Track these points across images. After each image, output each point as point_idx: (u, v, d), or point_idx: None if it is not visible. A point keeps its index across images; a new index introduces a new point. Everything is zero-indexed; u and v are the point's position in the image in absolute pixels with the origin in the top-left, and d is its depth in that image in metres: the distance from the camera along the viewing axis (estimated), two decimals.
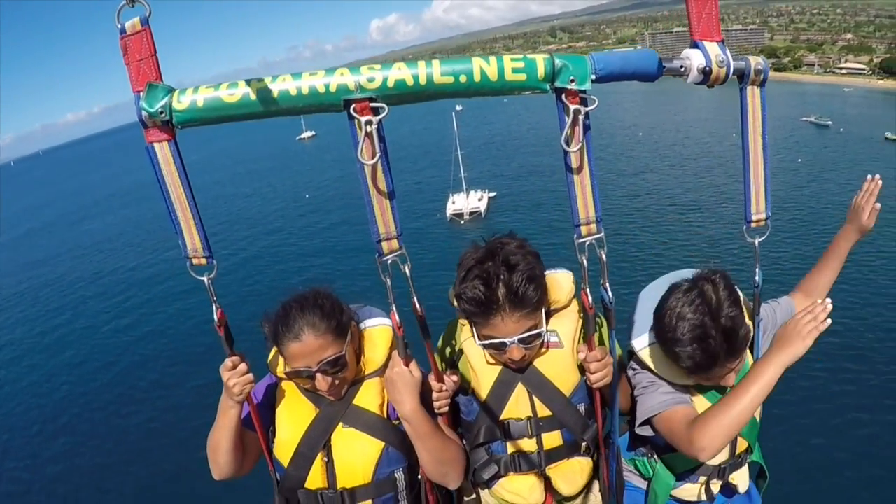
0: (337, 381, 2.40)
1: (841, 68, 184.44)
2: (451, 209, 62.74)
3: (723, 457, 2.68)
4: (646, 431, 2.61)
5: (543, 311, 2.48)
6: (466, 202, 63.96)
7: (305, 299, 2.41)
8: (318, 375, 2.34)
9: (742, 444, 2.70)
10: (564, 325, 2.61)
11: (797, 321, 2.07)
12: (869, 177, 2.64)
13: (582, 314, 2.61)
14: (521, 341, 2.40)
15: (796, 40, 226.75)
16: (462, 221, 60.54)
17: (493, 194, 67.76)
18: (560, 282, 2.58)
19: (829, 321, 2.06)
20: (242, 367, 2.26)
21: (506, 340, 2.39)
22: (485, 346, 2.49)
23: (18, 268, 69.34)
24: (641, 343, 2.59)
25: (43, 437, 30.78)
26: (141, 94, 1.76)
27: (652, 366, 2.55)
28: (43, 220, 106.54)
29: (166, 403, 31.36)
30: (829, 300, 2.11)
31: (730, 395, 2.17)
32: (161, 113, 1.75)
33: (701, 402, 2.53)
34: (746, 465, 2.84)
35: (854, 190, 2.73)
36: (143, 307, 47.18)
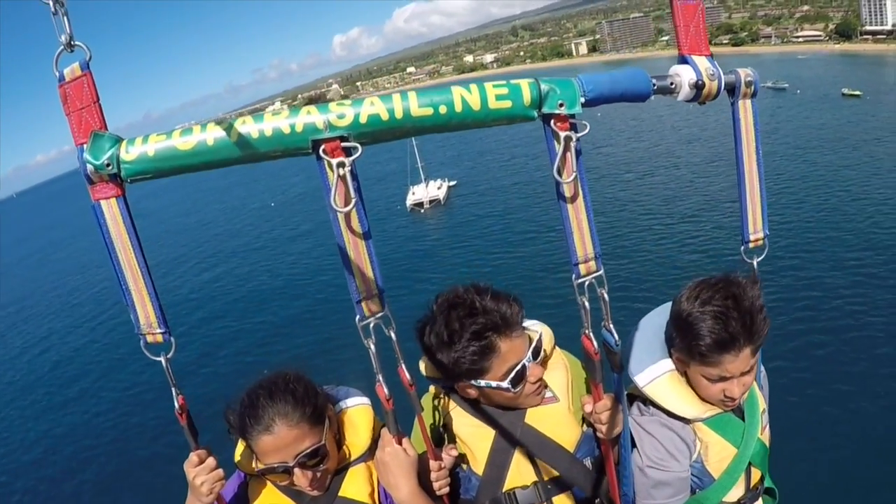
0: (318, 474, 2.18)
1: (798, 37, 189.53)
2: (411, 200, 65.29)
3: (740, 492, 2.56)
4: None
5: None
6: (426, 192, 66.50)
7: (274, 385, 2.18)
8: (297, 470, 2.11)
9: (756, 475, 2.59)
10: (555, 378, 2.49)
11: None
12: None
13: (569, 366, 2.53)
14: (534, 356, 2.35)
15: (754, 17, 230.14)
16: (422, 210, 63.10)
17: (453, 183, 70.63)
18: (542, 333, 2.47)
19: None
20: (210, 461, 2.01)
21: (524, 362, 2.28)
22: (511, 383, 2.30)
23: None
24: (646, 378, 2.43)
25: None
26: (84, 145, 1.57)
27: (660, 399, 2.41)
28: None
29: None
30: None
31: None
32: (108, 165, 1.56)
33: (706, 433, 2.43)
34: (762, 495, 2.74)
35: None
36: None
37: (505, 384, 2.28)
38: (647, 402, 2.47)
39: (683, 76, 1.76)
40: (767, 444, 2.58)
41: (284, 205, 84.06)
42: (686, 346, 2.25)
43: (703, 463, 2.47)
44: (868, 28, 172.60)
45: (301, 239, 63.82)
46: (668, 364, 2.43)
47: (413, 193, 67.30)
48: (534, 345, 2.34)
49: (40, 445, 33.49)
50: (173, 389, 1.85)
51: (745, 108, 1.90)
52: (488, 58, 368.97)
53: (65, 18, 1.49)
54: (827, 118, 74.25)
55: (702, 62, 1.77)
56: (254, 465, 2.22)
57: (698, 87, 1.74)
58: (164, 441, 28.63)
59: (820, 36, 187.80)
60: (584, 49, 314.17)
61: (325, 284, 45.18)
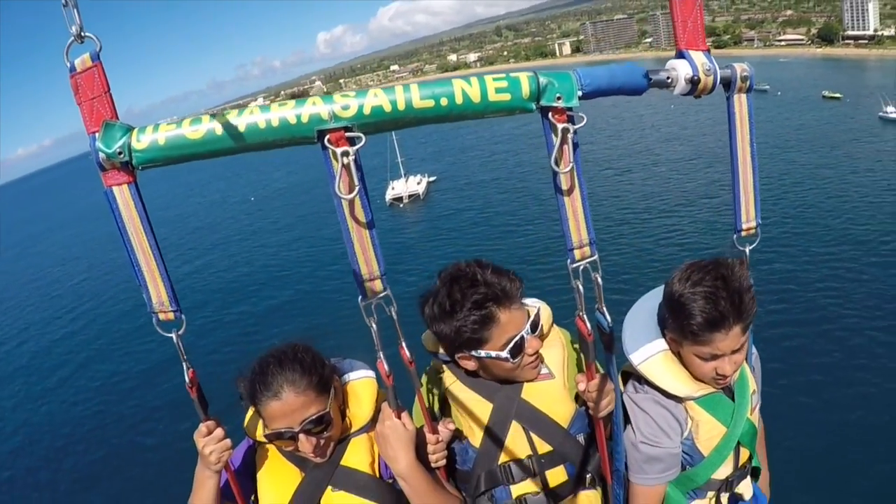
0: (322, 441, 2.25)
1: (780, 40, 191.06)
2: (390, 194, 65.65)
3: (728, 470, 2.64)
4: None
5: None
6: (405, 187, 67.14)
7: (284, 354, 2.26)
8: (302, 436, 2.18)
9: (745, 455, 2.67)
10: (551, 355, 2.54)
11: None
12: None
13: (573, 342, 2.59)
14: (532, 329, 2.41)
15: (737, 20, 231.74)
16: (401, 205, 63.69)
17: (433, 178, 71.08)
18: (540, 311, 2.51)
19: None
20: (219, 432, 2.10)
21: (522, 333, 2.36)
22: (509, 353, 2.36)
23: None
24: (640, 356, 2.51)
25: None
26: (96, 134, 1.61)
27: (654, 378, 2.48)
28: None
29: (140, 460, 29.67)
30: None
31: None
32: (119, 154, 1.60)
33: (697, 412, 2.51)
34: (749, 474, 2.83)
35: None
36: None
37: (504, 354, 2.34)
38: (642, 380, 2.54)
39: (680, 70, 1.79)
40: (757, 424, 2.66)
41: (273, 197, 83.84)
42: (678, 325, 2.32)
43: (693, 440, 2.55)
44: (850, 33, 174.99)
45: (297, 227, 63.99)
46: (661, 344, 2.50)
47: (392, 188, 67.55)
48: (532, 318, 2.40)
49: (19, 435, 33.26)
50: (184, 364, 1.91)
51: (741, 102, 1.93)
52: (472, 57, 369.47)
53: (75, 10, 1.51)
54: (806, 119, 75.66)
55: (698, 57, 1.80)
56: (261, 431, 2.30)
57: (694, 82, 1.79)
58: (144, 429, 28.80)
59: (802, 40, 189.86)
60: (567, 49, 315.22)
61: (327, 270, 45.30)
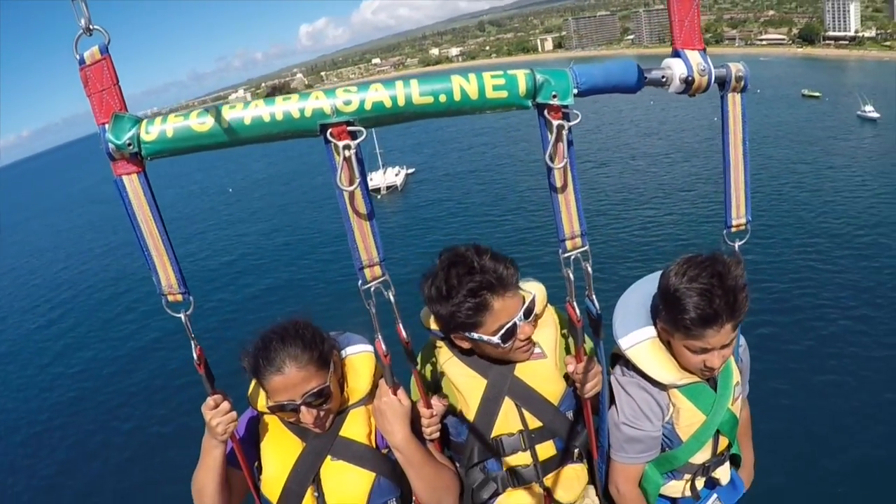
0: (322, 413, 2.34)
1: (761, 40, 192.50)
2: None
3: (706, 455, 2.75)
4: None
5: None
6: (383, 178, 67.19)
7: (285, 330, 2.35)
8: (303, 408, 2.28)
9: (724, 443, 2.77)
10: (544, 335, 2.63)
11: None
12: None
13: (561, 324, 2.66)
14: (525, 316, 2.46)
15: (720, 19, 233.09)
16: (379, 196, 63.18)
17: (411, 170, 70.97)
18: (535, 292, 2.58)
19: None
20: (225, 405, 2.20)
21: (515, 321, 2.42)
22: (501, 339, 2.44)
23: None
24: (629, 341, 2.60)
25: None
26: (106, 125, 1.67)
27: (640, 364, 2.57)
28: None
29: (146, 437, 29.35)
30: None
31: None
32: (129, 145, 1.66)
33: (679, 399, 2.61)
34: (728, 460, 2.93)
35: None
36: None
37: (495, 339, 2.43)
38: (629, 364, 2.63)
39: (675, 70, 1.83)
40: (739, 414, 2.75)
41: (252, 188, 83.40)
42: (672, 318, 2.39)
43: (673, 426, 2.65)
44: (831, 33, 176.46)
45: (277, 217, 63.81)
46: (650, 331, 2.59)
47: (370, 179, 66.31)
48: (526, 305, 2.47)
49: None
50: (192, 342, 2.00)
51: (734, 101, 1.98)
52: (454, 51, 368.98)
53: (83, 4, 1.55)
54: (785, 116, 76.27)
55: (694, 56, 1.84)
56: (263, 402, 2.41)
57: (688, 82, 1.83)
58: (122, 414, 28.75)
59: (784, 40, 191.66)
60: (549, 45, 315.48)
61: (314, 258, 45.29)
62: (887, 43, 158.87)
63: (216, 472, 2.29)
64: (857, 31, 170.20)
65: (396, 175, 69.54)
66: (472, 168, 70.28)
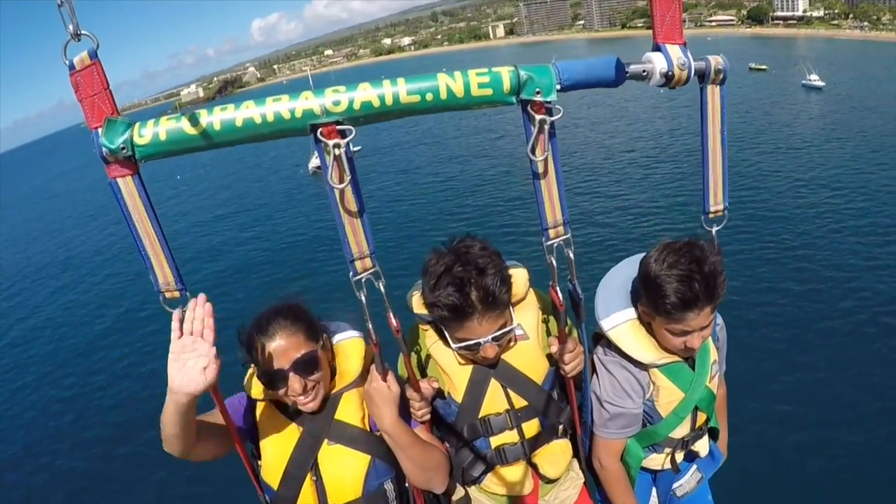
0: (310, 385, 2.38)
1: (710, 21, 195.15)
2: (312, 163, 65.79)
3: (685, 430, 2.87)
4: None
5: (511, 307, 2.54)
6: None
7: (278, 306, 2.43)
8: (292, 374, 2.31)
9: (702, 418, 2.89)
10: (526, 317, 2.67)
11: None
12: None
13: (541, 306, 2.72)
14: (494, 339, 2.43)
15: None
16: (311, 174, 64.07)
17: (357, 148, 70.71)
18: (517, 276, 2.60)
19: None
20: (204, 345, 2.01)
21: (480, 341, 2.41)
22: (460, 349, 2.51)
23: None
24: (611, 323, 2.68)
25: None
26: (99, 130, 1.70)
27: (622, 344, 2.65)
28: None
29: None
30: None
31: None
32: (123, 149, 1.70)
33: (658, 378, 2.71)
34: (707, 434, 3.06)
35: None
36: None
37: (455, 346, 2.50)
38: (611, 344, 2.71)
39: (656, 64, 1.89)
40: (715, 391, 2.87)
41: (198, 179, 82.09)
42: (653, 303, 2.47)
43: (654, 403, 2.76)
44: (779, 14, 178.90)
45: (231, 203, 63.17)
46: (631, 313, 2.68)
47: (315, 157, 65.95)
48: (503, 331, 2.46)
49: None
50: None
51: (714, 93, 2.04)
52: (406, 41, 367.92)
53: (70, 10, 1.56)
54: (732, 88, 76.43)
55: (674, 51, 1.90)
56: (259, 390, 2.47)
57: (668, 76, 1.89)
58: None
59: (732, 21, 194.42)
60: (501, 32, 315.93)
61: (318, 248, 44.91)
62: (835, 22, 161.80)
63: (180, 417, 2.05)
64: (804, 11, 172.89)
65: None
66: (420, 141, 70.33)
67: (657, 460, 2.98)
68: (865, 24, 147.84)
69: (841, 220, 33.43)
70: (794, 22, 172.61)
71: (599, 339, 2.86)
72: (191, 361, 1.95)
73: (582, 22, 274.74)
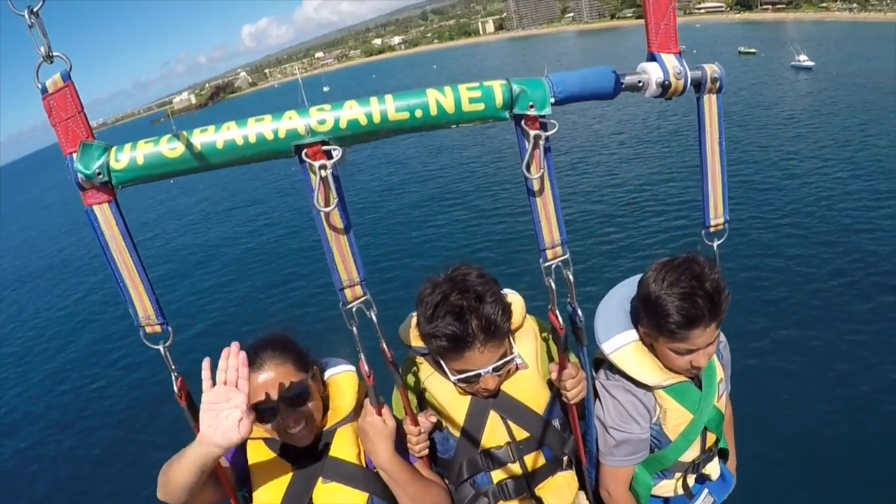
0: (301, 417, 2.28)
1: (699, 8, 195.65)
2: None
3: (695, 453, 2.77)
4: None
5: (510, 336, 2.46)
6: None
7: (266, 338, 2.34)
8: (282, 406, 2.21)
9: (711, 438, 2.80)
10: (525, 346, 2.60)
11: None
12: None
13: (541, 331, 2.65)
14: (494, 370, 2.36)
15: None
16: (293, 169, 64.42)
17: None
18: (514, 303, 2.53)
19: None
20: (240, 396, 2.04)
21: (480, 371, 2.33)
22: (459, 381, 2.43)
23: None
24: (613, 346, 2.59)
25: None
26: (74, 155, 1.62)
27: (625, 367, 2.57)
28: None
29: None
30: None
31: None
32: (99, 174, 1.61)
33: (665, 400, 2.62)
34: (717, 455, 2.96)
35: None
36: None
37: (454, 378, 2.42)
38: (613, 368, 2.62)
39: (651, 74, 1.83)
40: (724, 410, 2.78)
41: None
42: (656, 323, 2.39)
43: (661, 426, 2.66)
44: None
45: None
46: (633, 334, 2.59)
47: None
48: (503, 361, 2.39)
49: None
50: (172, 374, 1.91)
51: (710, 102, 2.00)
52: (396, 40, 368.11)
53: (42, 31, 1.49)
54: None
55: (670, 60, 1.85)
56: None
57: (665, 86, 1.83)
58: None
59: (721, 7, 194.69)
60: (490, 27, 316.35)
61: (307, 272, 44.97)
62: (823, 4, 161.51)
63: (202, 469, 1.98)
64: None
65: None
66: (409, 156, 70.33)
67: (667, 487, 2.87)
68: (854, 4, 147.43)
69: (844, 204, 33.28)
70: (783, 6, 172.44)
71: (600, 363, 2.77)
72: (224, 412, 1.87)
73: (571, 14, 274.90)
